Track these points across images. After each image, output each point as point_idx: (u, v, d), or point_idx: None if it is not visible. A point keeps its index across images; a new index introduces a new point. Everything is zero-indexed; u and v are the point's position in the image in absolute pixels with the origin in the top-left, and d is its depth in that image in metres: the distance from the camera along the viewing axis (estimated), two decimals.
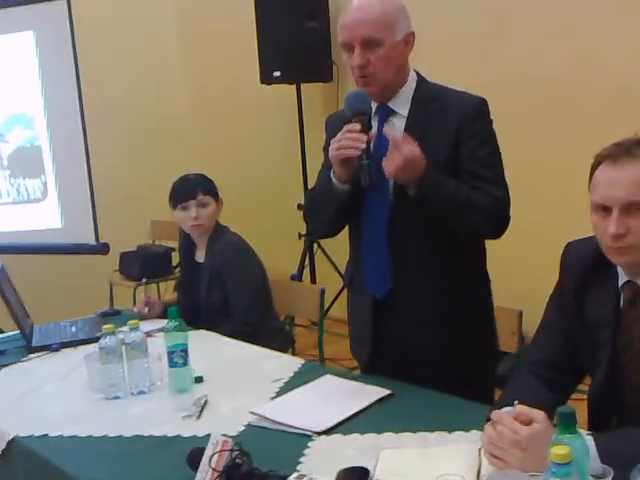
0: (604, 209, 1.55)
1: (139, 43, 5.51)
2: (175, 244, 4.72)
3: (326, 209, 2.06)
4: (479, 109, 2.00)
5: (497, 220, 1.99)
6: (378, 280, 2.07)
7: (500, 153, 2.03)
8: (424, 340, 2.05)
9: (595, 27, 3.66)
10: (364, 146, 1.88)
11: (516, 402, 1.50)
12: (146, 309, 2.92)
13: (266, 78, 4.82)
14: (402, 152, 1.84)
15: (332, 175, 1.99)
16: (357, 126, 1.91)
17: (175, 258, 4.67)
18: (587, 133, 3.48)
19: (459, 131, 1.96)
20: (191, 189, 2.88)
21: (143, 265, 4.78)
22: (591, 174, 1.60)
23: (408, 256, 2.02)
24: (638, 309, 1.61)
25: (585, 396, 1.74)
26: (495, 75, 3.83)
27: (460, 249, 2.03)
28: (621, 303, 1.64)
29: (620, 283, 1.64)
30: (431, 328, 2.04)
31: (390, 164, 1.86)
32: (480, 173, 1.97)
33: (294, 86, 4.86)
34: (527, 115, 3.80)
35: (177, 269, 4.03)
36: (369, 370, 2.16)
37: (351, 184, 1.97)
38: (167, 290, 4.90)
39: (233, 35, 5.28)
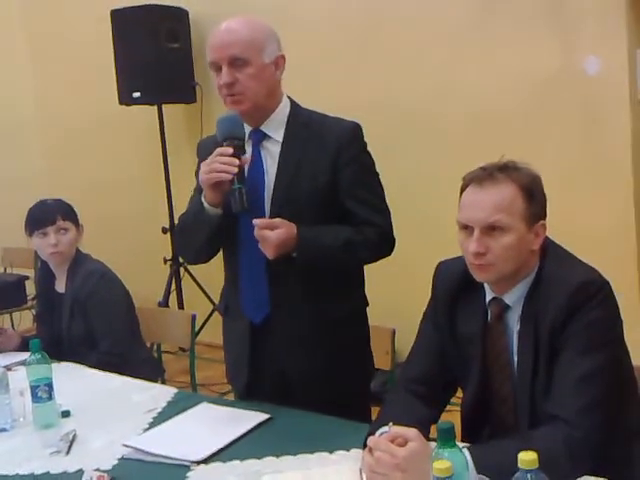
0: (468, 228, 1.64)
1: None
2: (29, 272, 4.53)
3: (198, 234, 2.02)
4: (354, 134, 2.04)
5: (382, 248, 2.06)
6: (255, 305, 2.05)
7: (378, 175, 2.08)
8: (301, 363, 2.04)
9: (452, 57, 3.86)
10: (236, 170, 1.87)
11: (390, 424, 1.51)
12: None
13: (125, 99, 4.69)
14: (269, 242, 1.89)
15: (203, 199, 1.96)
16: (229, 150, 1.89)
17: (30, 287, 4.43)
18: (448, 158, 3.67)
19: (336, 157, 1.99)
20: (50, 214, 2.75)
21: None
22: (460, 195, 1.67)
23: (286, 280, 2.01)
24: (504, 324, 1.70)
25: (457, 408, 1.81)
26: (353, 100, 3.93)
27: (337, 273, 2.05)
28: (489, 319, 1.72)
29: (487, 300, 1.72)
30: (307, 351, 2.04)
31: (267, 252, 1.91)
32: (361, 197, 2.01)
33: (155, 107, 4.77)
34: (387, 140, 3.92)
35: (34, 299, 3.82)
36: (247, 396, 2.12)
37: (223, 208, 1.95)
38: (22, 321, 4.65)
39: (89, 54, 5.12)
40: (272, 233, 1.89)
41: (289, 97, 2.08)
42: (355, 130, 2.05)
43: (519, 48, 3.62)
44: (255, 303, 2.05)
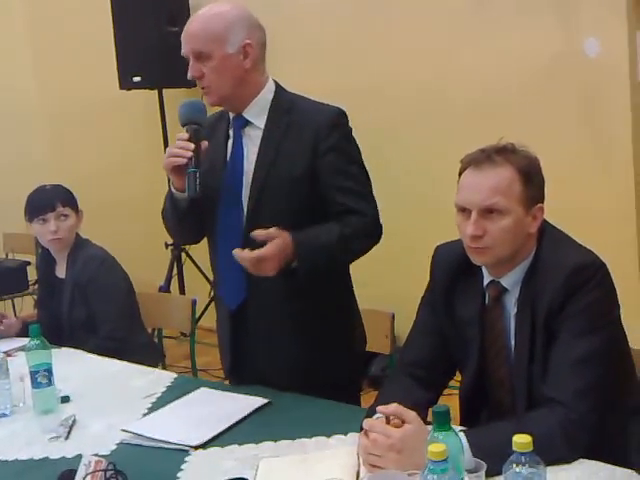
0: (465, 211, 1.63)
1: None
2: (31, 257, 4.53)
3: (171, 217, 2.07)
4: (334, 120, 1.97)
5: (372, 236, 2.00)
6: (233, 291, 2.04)
7: (362, 162, 2.02)
8: (278, 350, 2.03)
9: (452, 40, 3.82)
10: (189, 154, 1.87)
11: (379, 414, 1.53)
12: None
13: (125, 83, 4.68)
14: (272, 259, 1.81)
15: (171, 183, 1.98)
16: (185, 135, 1.91)
17: (31, 272, 4.44)
18: (447, 141, 3.64)
19: (315, 144, 1.94)
20: (49, 201, 2.74)
21: None
22: (459, 177, 1.67)
23: None
24: (501, 307, 1.69)
25: (456, 391, 1.81)
26: (355, 83, 3.91)
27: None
28: (487, 301, 1.72)
29: (485, 283, 1.71)
30: (285, 338, 2.02)
31: (267, 271, 1.83)
32: (344, 186, 1.95)
33: (156, 92, 4.75)
34: (388, 123, 3.91)
35: (35, 284, 3.83)
36: (233, 381, 2.12)
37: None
38: (24, 306, 4.66)
39: (89, 39, 5.10)
40: (265, 249, 1.80)
41: (275, 81, 2.05)
42: (335, 117, 1.98)
43: (519, 31, 3.58)
44: (233, 289, 2.04)
